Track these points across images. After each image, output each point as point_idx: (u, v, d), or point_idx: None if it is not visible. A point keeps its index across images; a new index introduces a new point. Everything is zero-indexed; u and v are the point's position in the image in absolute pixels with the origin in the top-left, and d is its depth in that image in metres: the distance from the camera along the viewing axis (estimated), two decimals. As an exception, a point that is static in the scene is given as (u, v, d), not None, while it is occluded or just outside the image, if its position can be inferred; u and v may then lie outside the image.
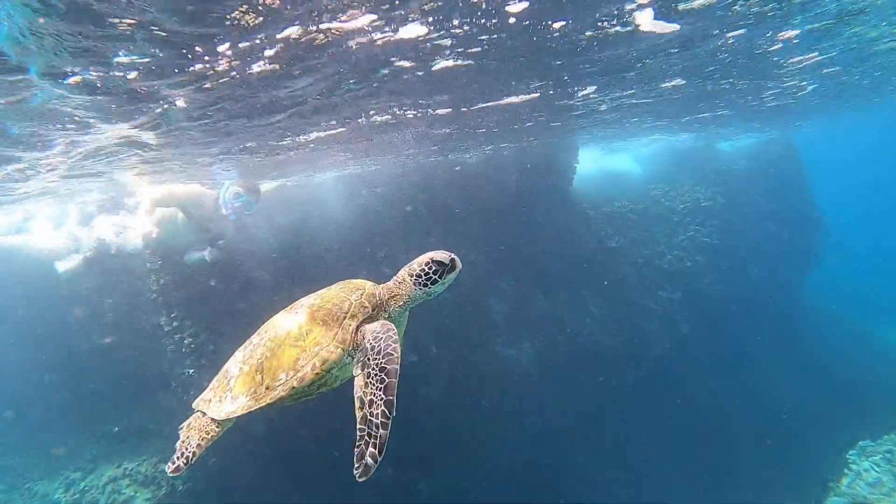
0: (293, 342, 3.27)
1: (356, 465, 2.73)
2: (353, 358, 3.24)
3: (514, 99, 8.56)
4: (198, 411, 3.65)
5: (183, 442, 3.48)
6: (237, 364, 3.51)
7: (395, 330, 3.23)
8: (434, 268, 3.31)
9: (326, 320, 3.30)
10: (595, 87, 8.52)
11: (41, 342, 12.50)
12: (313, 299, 3.53)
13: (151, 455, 11.03)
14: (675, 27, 5.88)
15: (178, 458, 3.37)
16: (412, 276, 3.37)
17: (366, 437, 2.80)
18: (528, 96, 8.47)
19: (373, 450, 2.75)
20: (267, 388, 3.20)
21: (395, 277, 3.49)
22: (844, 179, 56.69)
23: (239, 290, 10.91)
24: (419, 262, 3.36)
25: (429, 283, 3.34)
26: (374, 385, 2.97)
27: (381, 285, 3.55)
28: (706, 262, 16.03)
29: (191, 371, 10.72)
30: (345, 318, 3.29)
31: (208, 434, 3.45)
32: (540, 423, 13.10)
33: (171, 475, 3.22)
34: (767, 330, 17.17)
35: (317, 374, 3.14)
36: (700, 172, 17.53)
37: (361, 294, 3.45)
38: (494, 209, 13.39)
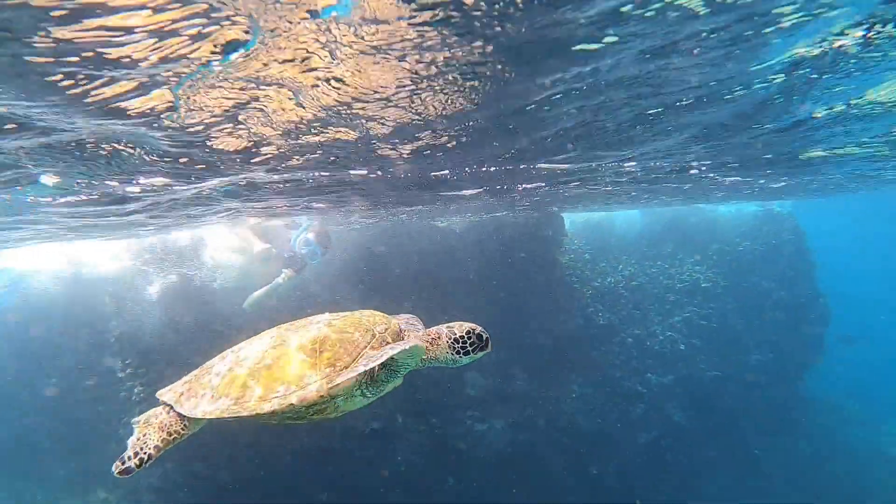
0: (303, 356, 3.01)
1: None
2: (362, 392, 3.08)
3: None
4: (163, 404, 3.27)
5: (139, 439, 3.09)
6: (227, 363, 3.21)
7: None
8: (474, 340, 3.23)
9: (346, 344, 3.07)
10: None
11: None
12: (335, 319, 3.33)
13: None
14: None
15: (130, 456, 3.01)
16: (451, 339, 3.24)
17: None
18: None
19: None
20: (260, 398, 2.89)
21: (429, 329, 3.39)
22: (854, 261, 55.41)
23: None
24: (461, 328, 3.26)
25: (462, 351, 3.23)
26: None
27: (411, 331, 3.44)
28: (702, 346, 15.28)
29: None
30: (367, 347, 3.07)
31: (171, 434, 3.11)
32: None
33: (117, 476, 2.91)
34: (765, 422, 16.19)
35: (321, 396, 2.86)
36: (701, 250, 16.98)
37: (386, 329, 3.30)
38: (477, 278, 12.96)
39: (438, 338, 3.29)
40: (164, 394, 3.27)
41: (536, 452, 12.57)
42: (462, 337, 3.22)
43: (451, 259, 13.51)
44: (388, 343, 3.15)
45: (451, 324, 3.33)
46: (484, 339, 3.23)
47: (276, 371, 2.96)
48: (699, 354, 15.08)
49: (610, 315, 14.64)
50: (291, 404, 2.82)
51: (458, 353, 3.22)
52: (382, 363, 2.95)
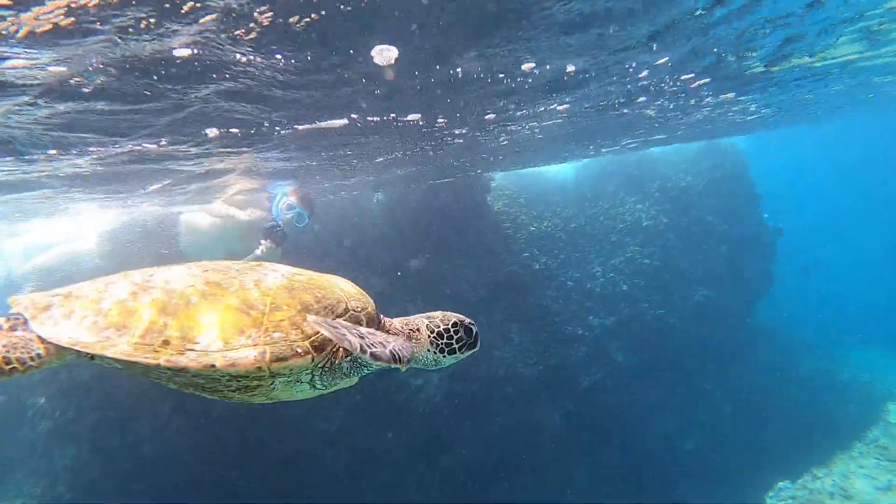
0: (244, 306, 2.20)
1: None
2: (312, 380, 2.35)
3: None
4: (14, 313, 2.34)
5: None
6: (131, 284, 2.33)
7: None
8: (461, 335, 2.59)
9: (309, 309, 2.29)
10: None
11: None
12: (299, 274, 2.54)
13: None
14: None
15: None
16: (431, 333, 2.59)
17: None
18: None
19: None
20: (166, 342, 2.08)
21: (406, 319, 2.72)
22: (797, 191, 56.72)
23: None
24: (445, 320, 2.62)
25: (446, 349, 2.58)
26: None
27: (387, 318, 2.73)
28: (645, 286, 14.98)
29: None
30: (336, 319, 2.33)
31: (22, 361, 2.13)
32: (455, 460, 11.98)
33: None
34: (714, 357, 16.12)
35: (258, 368, 2.08)
36: (642, 190, 16.54)
37: (362, 308, 2.53)
38: (400, 231, 12.35)
39: (416, 331, 2.65)
40: (20, 302, 2.34)
41: (476, 402, 12.23)
42: (447, 331, 2.58)
43: (378, 221, 12.92)
44: (361, 324, 2.44)
45: (430, 314, 2.70)
46: (473, 333, 2.61)
47: (201, 314, 2.16)
48: (642, 294, 14.78)
49: (547, 259, 14.19)
50: (212, 366, 2.04)
51: (441, 350, 2.59)
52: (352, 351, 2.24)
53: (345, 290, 2.59)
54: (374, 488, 11.03)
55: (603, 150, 14.38)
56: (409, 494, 11.29)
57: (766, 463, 12.85)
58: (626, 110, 8.58)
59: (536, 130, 9.05)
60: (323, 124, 5.93)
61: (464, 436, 12.05)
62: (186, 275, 2.36)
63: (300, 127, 5.84)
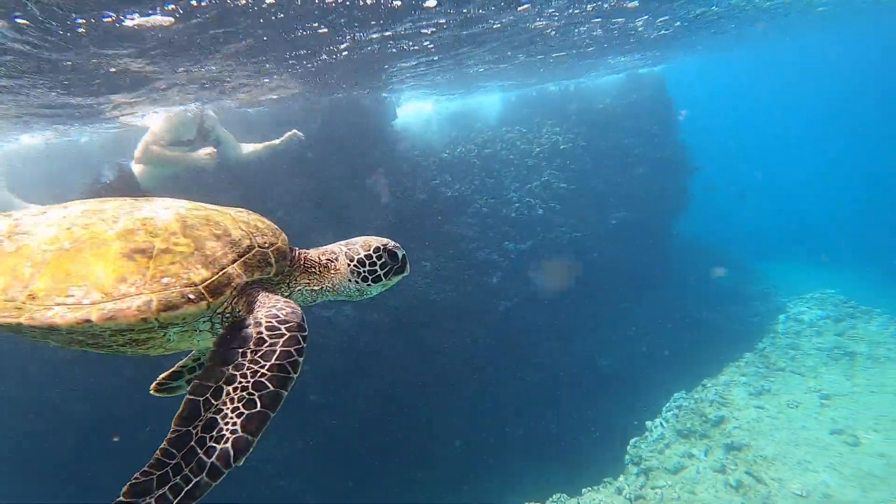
0: (127, 250, 1.89)
1: None
2: (212, 325, 2.06)
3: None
4: None
5: None
6: None
7: (304, 325, 1.97)
8: (384, 259, 2.39)
9: (204, 248, 1.98)
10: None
11: None
12: (196, 209, 2.18)
13: None
14: None
15: None
16: (351, 261, 2.37)
17: (169, 473, 1.52)
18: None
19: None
20: (32, 296, 1.77)
21: (322, 249, 2.46)
22: (714, 116, 59.21)
23: None
24: (367, 245, 2.40)
25: (370, 277, 2.37)
26: (235, 400, 1.67)
27: (301, 249, 2.44)
28: (562, 209, 14.94)
29: None
30: (235, 261, 2.02)
31: None
32: (371, 387, 11.92)
33: None
34: (634, 276, 16.47)
35: (145, 319, 1.79)
36: (561, 113, 16.27)
37: (271, 244, 2.20)
38: (304, 162, 11.71)
39: (333, 260, 2.41)
40: None
41: (387, 331, 12.09)
42: (368, 257, 2.36)
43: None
44: (267, 264, 2.13)
45: (351, 240, 2.46)
46: (399, 257, 2.42)
47: (76, 262, 1.83)
48: (559, 218, 14.76)
49: (461, 186, 13.89)
50: (89, 321, 1.73)
51: (363, 279, 2.37)
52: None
53: (250, 223, 2.26)
54: (290, 425, 10.88)
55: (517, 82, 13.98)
56: (327, 419, 11.21)
57: (673, 375, 13.32)
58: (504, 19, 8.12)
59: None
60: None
61: (381, 365, 11.96)
62: (61, 217, 2.00)
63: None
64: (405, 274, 2.48)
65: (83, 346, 2.01)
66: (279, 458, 10.49)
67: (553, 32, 10.17)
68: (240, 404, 1.66)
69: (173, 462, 1.53)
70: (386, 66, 10.58)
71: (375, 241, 2.43)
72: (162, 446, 1.56)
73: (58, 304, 1.76)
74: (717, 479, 9.13)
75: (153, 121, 9.01)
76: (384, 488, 10.78)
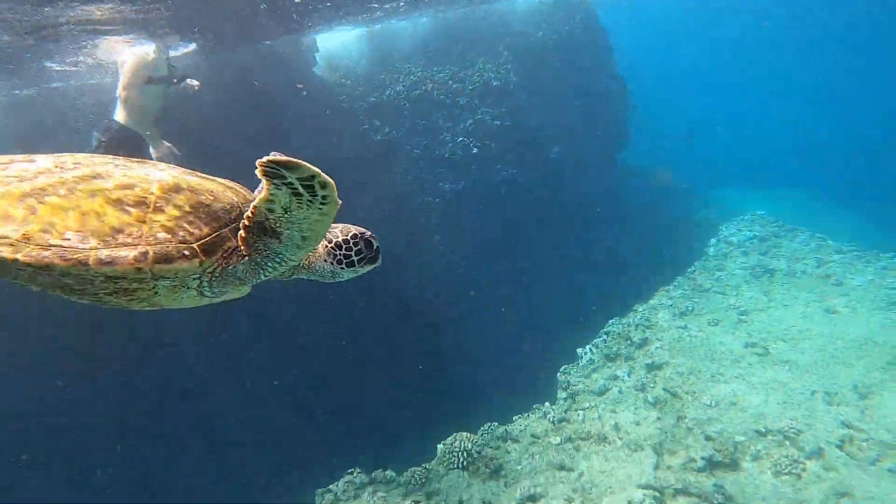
0: (125, 203, 1.95)
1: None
2: (201, 286, 2.18)
3: None
4: None
5: None
6: None
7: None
8: (360, 247, 2.52)
9: (204, 209, 2.11)
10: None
11: None
12: (189, 175, 2.29)
13: None
14: None
15: None
16: (329, 243, 2.52)
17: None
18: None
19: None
20: (26, 236, 1.76)
21: None
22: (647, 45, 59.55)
23: None
24: (346, 231, 2.53)
25: (344, 261, 2.52)
26: None
27: None
28: (497, 147, 14.87)
29: None
30: (228, 224, 2.16)
31: None
32: (310, 338, 12.06)
33: None
34: (577, 211, 16.72)
35: (139, 269, 1.88)
36: (492, 48, 15.92)
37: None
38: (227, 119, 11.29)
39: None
40: None
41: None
42: (346, 242, 2.50)
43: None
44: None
45: (333, 224, 2.44)
46: (374, 247, 2.54)
47: (72, 208, 1.86)
48: (494, 156, 14.72)
49: (391, 130, 13.66)
50: (86, 264, 1.78)
51: (338, 262, 2.52)
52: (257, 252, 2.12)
53: (239, 192, 2.42)
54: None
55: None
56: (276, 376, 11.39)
57: (614, 305, 13.75)
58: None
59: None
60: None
61: (324, 313, 12.04)
62: (55, 165, 2.02)
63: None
64: (377, 264, 2.61)
65: (68, 291, 2.04)
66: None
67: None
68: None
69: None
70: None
71: (355, 228, 2.58)
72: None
73: (55, 245, 1.79)
74: (638, 398, 9.67)
75: (125, 59, 8.60)
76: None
